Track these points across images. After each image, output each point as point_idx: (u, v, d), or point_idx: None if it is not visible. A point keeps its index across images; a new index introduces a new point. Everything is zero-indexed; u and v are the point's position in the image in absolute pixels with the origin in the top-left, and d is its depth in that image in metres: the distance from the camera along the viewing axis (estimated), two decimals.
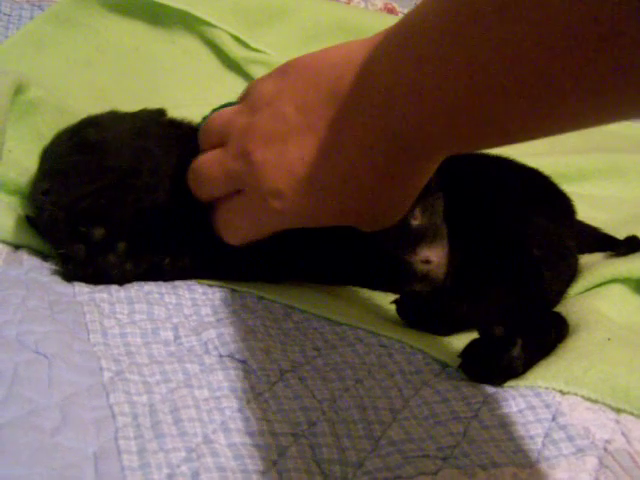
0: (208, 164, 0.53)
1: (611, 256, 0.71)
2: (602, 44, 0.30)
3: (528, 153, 0.73)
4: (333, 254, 0.61)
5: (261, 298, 0.56)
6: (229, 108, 0.54)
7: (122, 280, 0.55)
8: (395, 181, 0.47)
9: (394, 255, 0.60)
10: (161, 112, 0.67)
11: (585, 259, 0.69)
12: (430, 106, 0.40)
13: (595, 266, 0.66)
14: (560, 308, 0.60)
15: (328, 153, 0.46)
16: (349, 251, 0.61)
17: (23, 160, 0.65)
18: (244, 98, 0.54)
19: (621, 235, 0.73)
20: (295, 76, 0.48)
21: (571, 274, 0.65)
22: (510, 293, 0.60)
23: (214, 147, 0.53)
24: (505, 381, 0.49)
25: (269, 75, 0.52)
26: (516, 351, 0.49)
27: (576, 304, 0.61)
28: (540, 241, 0.63)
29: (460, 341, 0.52)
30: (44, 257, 0.58)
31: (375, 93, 0.43)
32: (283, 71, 0.50)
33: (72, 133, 0.60)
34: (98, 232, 0.54)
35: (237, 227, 0.53)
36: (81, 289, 0.53)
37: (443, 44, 0.38)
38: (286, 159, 0.47)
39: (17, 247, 0.59)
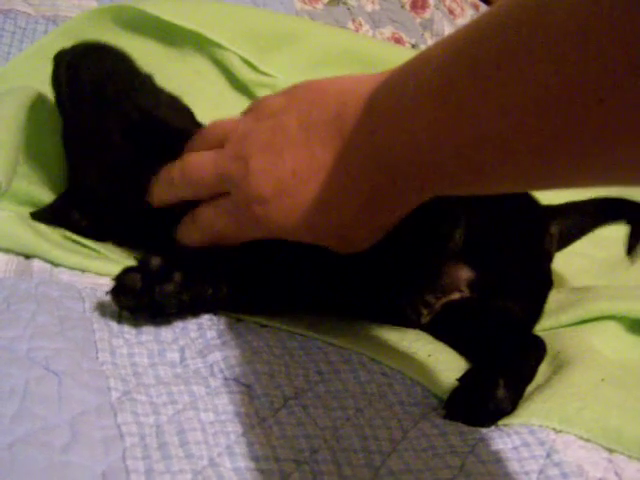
0: (200, 164, 0.54)
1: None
2: (592, 107, 0.31)
3: None
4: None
5: (265, 326, 0.56)
6: (232, 117, 0.56)
7: (176, 311, 0.52)
8: (377, 211, 0.48)
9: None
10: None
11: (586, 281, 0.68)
12: (420, 147, 0.41)
13: (593, 298, 0.67)
14: (556, 343, 0.61)
15: (318, 171, 0.47)
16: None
17: (36, 171, 0.67)
18: (249, 112, 0.55)
19: (620, 274, 0.74)
20: (303, 95, 0.50)
21: (537, 296, 0.66)
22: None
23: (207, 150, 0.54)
24: (496, 422, 0.49)
25: (277, 93, 0.54)
26: (500, 392, 0.49)
27: (573, 339, 0.62)
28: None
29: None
30: (54, 268, 0.58)
31: (373, 125, 0.45)
32: (292, 90, 0.52)
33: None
34: (155, 261, 0.52)
35: (217, 229, 0.54)
36: (91, 305, 0.53)
37: (439, 90, 0.39)
38: (278, 169, 0.49)
39: (27, 257, 0.59)
